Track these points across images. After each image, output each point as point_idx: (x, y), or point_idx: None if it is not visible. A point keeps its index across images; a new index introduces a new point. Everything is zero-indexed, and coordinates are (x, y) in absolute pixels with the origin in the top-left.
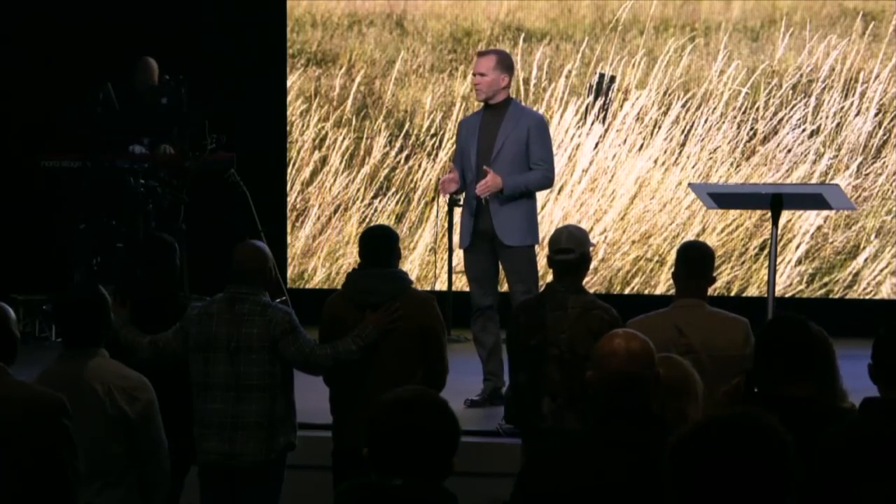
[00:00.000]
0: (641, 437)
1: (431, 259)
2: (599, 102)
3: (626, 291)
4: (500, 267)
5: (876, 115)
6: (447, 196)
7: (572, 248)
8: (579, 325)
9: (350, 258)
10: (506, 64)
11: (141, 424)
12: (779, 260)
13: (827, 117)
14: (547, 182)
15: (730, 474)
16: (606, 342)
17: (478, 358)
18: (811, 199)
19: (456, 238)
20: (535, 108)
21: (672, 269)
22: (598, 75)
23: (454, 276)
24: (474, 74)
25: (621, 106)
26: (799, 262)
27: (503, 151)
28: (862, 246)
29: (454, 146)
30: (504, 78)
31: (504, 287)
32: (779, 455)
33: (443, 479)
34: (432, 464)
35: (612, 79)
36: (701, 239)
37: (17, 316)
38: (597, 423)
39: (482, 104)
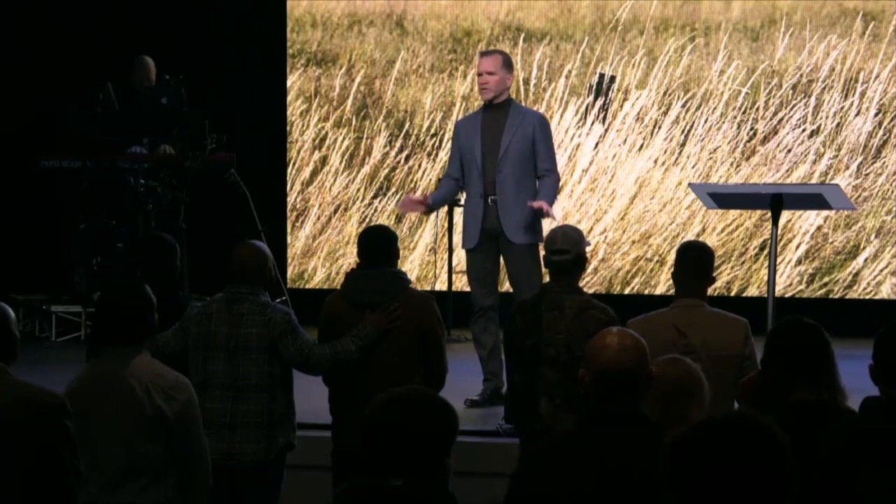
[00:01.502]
0: (632, 437)
1: (431, 259)
2: (599, 102)
3: (626, 291)
4: (502, 266)
5: (876, 115)
6: (403, 210)
7: (568, 248)
8: (576, 326)
9: (350, 258)
10: (509, 64)
11: (179, 423)
12: (779, 260)
13: (827, 117)
14: (558, 185)
15: (727, 475)
16: (599, 339)
17: (478, 358)
18: (811, 199)
19: (456, 238)
20: (535, 108)
21: (672, 269)
22: (598, 75)
23: (454, 276)
24: (480, 74)
25: (621, 106)
26: (799, 262)
27: (510, 150)
28: (862, 246)
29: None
30: (509, 77)
31: (504, 287)
32: (776, 456)
33: (443, 480)
34: (427, 462)
35: (612, 79)
36: (701, 239)
37: (17, 316)
38: (588, 422)
39: (482, 104)
